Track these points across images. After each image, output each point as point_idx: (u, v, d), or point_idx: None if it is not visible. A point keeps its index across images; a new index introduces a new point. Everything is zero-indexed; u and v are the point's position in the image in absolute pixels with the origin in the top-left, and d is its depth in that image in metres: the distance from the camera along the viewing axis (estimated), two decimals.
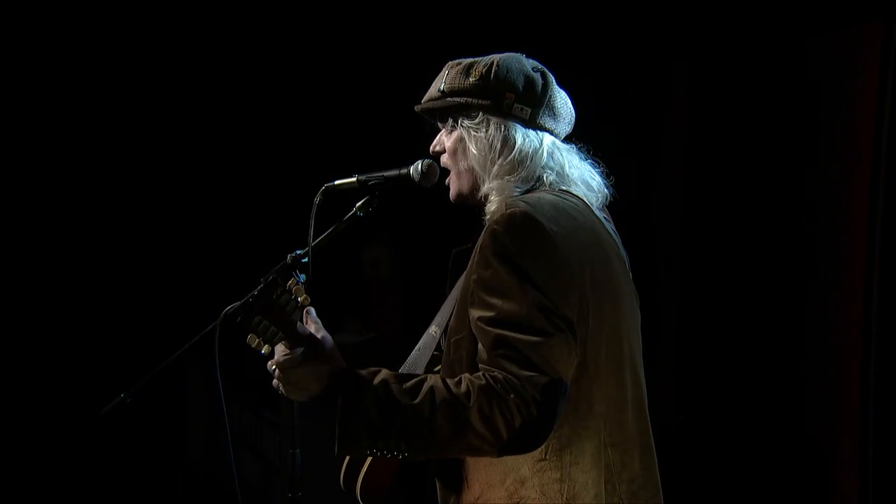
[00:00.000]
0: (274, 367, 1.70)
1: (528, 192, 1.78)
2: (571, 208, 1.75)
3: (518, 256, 1.62)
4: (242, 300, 1.86)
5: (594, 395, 1.70)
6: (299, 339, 1.66)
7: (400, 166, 1.96)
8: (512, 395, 1.54)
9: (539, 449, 1.64)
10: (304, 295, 1.61)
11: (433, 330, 1.91)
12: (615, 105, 4.01)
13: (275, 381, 1.70)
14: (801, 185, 3.43)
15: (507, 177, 1.78)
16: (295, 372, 1.67)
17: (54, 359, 4.88)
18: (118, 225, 5.06)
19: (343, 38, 4.77)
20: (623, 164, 2.03)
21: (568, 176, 1.82)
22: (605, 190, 1.88)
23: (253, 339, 1.62)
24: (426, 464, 1.89)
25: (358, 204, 1.96)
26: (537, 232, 1.63)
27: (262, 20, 4.76)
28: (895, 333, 3.10)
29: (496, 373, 1.57)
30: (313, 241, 1.92)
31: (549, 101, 1.83)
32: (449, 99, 1.84)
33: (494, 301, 1.62)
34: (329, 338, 1.72)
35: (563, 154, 1.84)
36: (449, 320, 1.82)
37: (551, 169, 1.81)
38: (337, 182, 1.99)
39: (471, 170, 1.84)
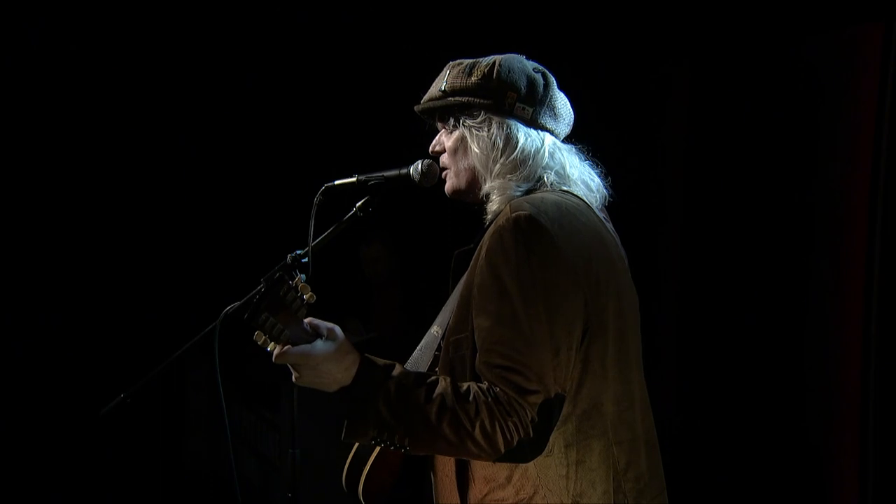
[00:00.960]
0: (288, 361, 1.68)
1: (529, 191, 1.79)
2: (573, 208, 1.76)
3: (523, 262, 1.63)
4: (243, 300, 1.87)
5: (601, 394, 1.71)
6: (311, 335, 1.67)
7: (400, 166, 1.97)
8: (513, 418, 1.60)
9: (546, 447, 1.66)
10: (311, 293, 1.62)
11: (435, 330, 1.92)
12: (616, 106, 4.01)
13: (294, 375, 1.69)
14: (801, 185, 3.43)
15: (509, 175, 1.79)
16: (323, 364, 1.66)
17: (54, 359, 4.88)
18: (118, 225, 5.06)
19: (343, 39, 4.77)
20: (623, 164, 2.03)
21: (568, 176, 1.83)
22: (604, 190, 1.89)
23: (259, 337, 1.62)
24: (429, 464, 1.90)
25: (358, 204, 1.97)
26: (542, 236, 1.64)
27: (262, 20, 4.76)
28: (895, 333, 3.10)
29: (499, 390, 1.61)
30: (313, 241, 1.92)
31: (550, 101, 1.84)
32: (450, 98, 1.84)
33: (497, 309, 1.64)
34: (340, 329, 1.73)
35: (564, 154, 1.86)
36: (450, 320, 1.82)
37: (552, 169, 1.82)
38: (337, 182, 1.99)
39: (471, 168, 1.85)
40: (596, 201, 1.86)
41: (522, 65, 1.84)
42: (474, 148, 1.82)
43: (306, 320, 1.66)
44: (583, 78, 2.84)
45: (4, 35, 4.51)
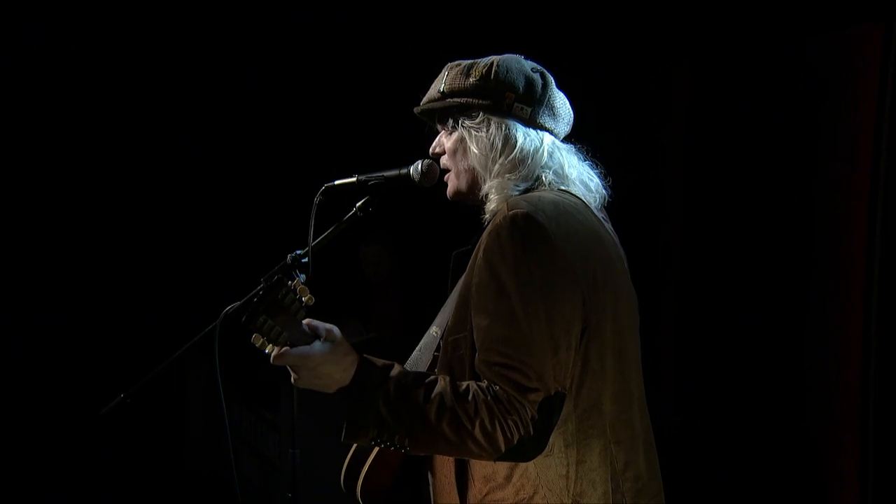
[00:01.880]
0: (286, 362, 1.68)
1: (527, 190, 1.79)
2: (571, 207, 1.76)
3: (521, 260, 1.63)
4: (243, 300, 1.87)
5: (600, 394, 1.71)
6: (310, 337, 1.66)
7: (400, 166, 1.97)
8: (513, 416, 1.59)
9: (546, 447, 1.66)
10: (309, 295, 1.61)
11: (434, 331, 1.92)
12: (616, 105, 4.01)
13: (293, 377, 1.69)
14: (801, 184, 3.43)
15: (508, 175, 1.79)
16: (322, 366, 1.66)
17: (54, 359, 4.88)
18: (118, 225, 5.06)
19: (343, 39, 4.77)
20: (623, 164, 2.03)
21: (567, 176, 1.83)
22: (603, 190, 1.88)
23: (258, 339, 1.62)
24: (428, 464, 1.90)
25: (358, 204, 1.97)
26: (539, 234, 1.64)
27: (262, 20, 4.76)
28: (895, 333, 3.10)
29: (499, 389, 1.61)
30: (313, 241, 1.92)
31: (548, 100, 1.84)
32: (449, 100, 1.84)
33: (495, 307, 1.64)
34: (339, 330, 1.73)
35: (563, 154, 1.85)
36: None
37: (550, 168, 1.82)
38: (337, 182, 1.99)
39: (471, 169, 1.85)
40: (595, 201, 1.85)
41: (520, 65, 1.84)
42: (473, 149, 1.82)
43: (305, 321, 1.66)
44: (583, 78, 2.84)
45: (4, 35, 4.51)
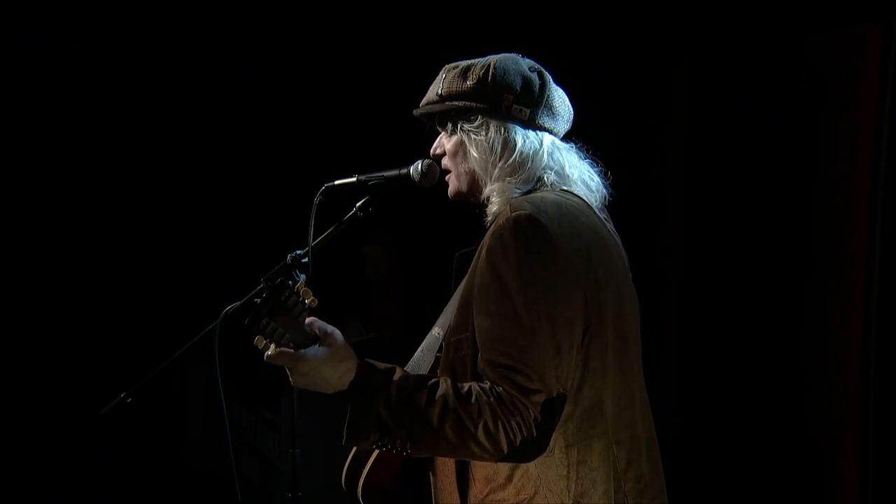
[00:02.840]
0: (279, 363, 1.68)
1: (529, 192, 1.78)
2: (573, 208, 1.76)
3: (524, 261, 1.63)
4: (243, 300, 1.87)
5: (602, 394, 1.71)
6: (312, 339, 1.66)
7: (400, 166, 1.97)
8: (516, 417, 1.59)
9: (547, 447, 1.65)
10: (312, 297, 1.61)
11: (436, 331, 1.91)
12: (616, 105, 4.01)
13: (292, 378, 1.69)
14: (801, 184, 3.43)
15: (508, 178, 1.78)
16: (317, 370, 1.64)
17: (54, 359, 4.88)
18: (118, 225, 5.06)
19: (343, 39, 4.77)
20: (623, 164, 2.03)
21: (568, 176, 1.82)
22: (604, 190, 1.88)
23: (260, 342, 1.61)
24: (428, 465, 1.90)
25: (358, 204, 1.97)
26: (542, 235, 1.64)
27: (262, 20, 4.76)
28: (895, 333, 3.10)
29: (501, 390, 1.61)
30: (313, 241, 1.92)
31: (547, 100, 1.83)
32: (447, 103, 1.84)
33: (498, 308, 1.64)
34: (340, 333, 1.72)
35: (563, 154, 1.85)
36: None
37: (551, 169, 1.81)
38: (337, 182, 1.99)
39: (472, 172, 1.85)
40: (596, 201, 1.85)
41: (518, 65, 1.83)
42: (473, 152, 1.82)
43: (307, 321, 1.65)
44: (583, 78, 2.84)
45: (4, 35, 4.51)
